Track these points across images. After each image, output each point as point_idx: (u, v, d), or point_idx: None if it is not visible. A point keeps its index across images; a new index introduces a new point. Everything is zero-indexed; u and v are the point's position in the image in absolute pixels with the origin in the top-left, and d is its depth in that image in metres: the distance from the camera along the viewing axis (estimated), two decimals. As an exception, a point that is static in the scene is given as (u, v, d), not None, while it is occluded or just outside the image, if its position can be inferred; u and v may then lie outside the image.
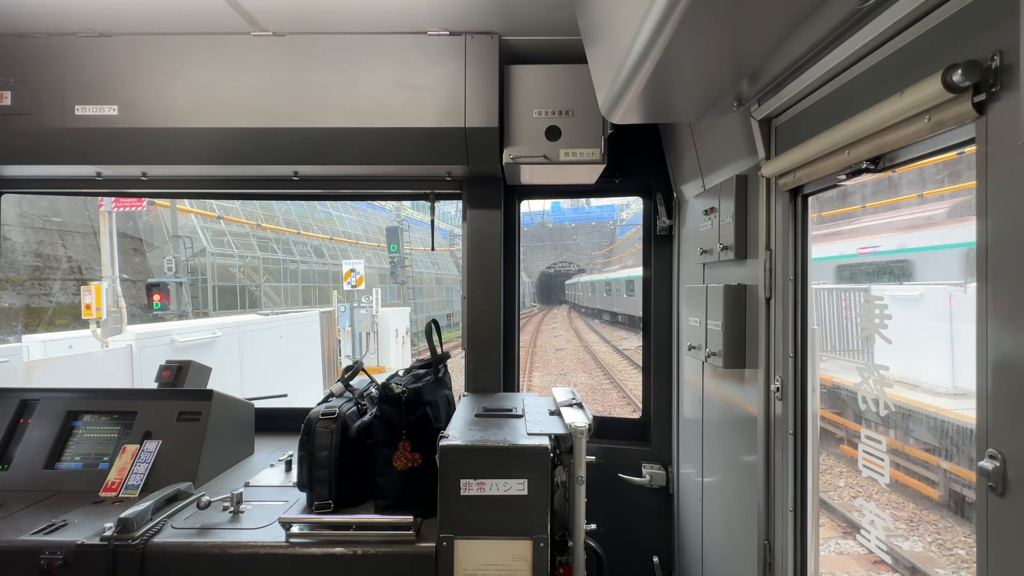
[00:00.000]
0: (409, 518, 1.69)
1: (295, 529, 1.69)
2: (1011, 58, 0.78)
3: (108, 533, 1.64)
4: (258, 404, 2.62)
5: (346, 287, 13.55)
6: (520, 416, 1.97)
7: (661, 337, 2.62)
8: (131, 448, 2.11)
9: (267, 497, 1.95)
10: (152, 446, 2.11)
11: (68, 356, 7.10)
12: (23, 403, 2.28)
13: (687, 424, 2.40)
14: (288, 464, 2.25)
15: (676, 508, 2.54)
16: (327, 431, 1.85)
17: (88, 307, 8.22)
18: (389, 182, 2.49)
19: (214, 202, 16.12)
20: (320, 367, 12.17)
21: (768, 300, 1.61)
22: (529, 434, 1.73)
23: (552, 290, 60.88)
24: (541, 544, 1.63)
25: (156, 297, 10.92)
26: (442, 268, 34.80)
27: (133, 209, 12.82)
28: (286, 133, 2.09)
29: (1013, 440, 0.79)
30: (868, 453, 1.39)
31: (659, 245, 2.62)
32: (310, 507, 1.83)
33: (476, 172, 2.37)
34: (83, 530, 1.71)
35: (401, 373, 2.07)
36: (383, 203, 26.45)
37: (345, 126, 2.07)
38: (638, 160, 2.58)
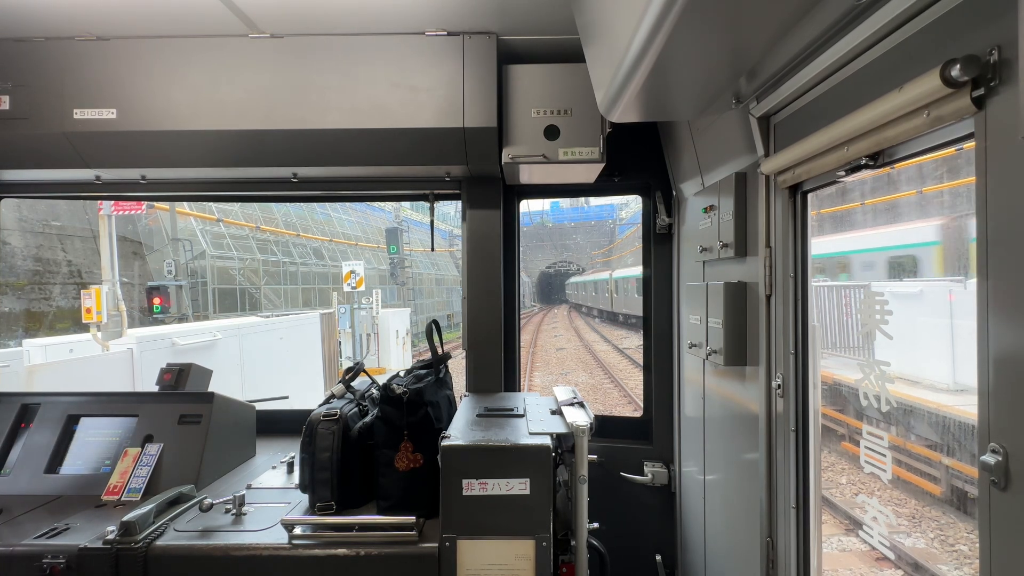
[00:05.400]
0: (411, 519, 1.69)
1: (298, 531, 1.69)
2: (1009, 52, 0.78)
3: (111, 537, 1.63)
4: (259, 406, 2.62)
5: (346, 288, 13.55)
6: (521, 416, 1.97)
7: (662, 335, 2.62)
8: (133, 451, 2.11)
9: (269, 499, 1.95)
10: (154, 449, 2.11)
11: (69, 360, 7.09)
12: (24, 407, 2.28)
13: (688, 422, 2.40)
14: (290, 466, 2.25)
15: (678, 506, 2.54)
16: (329, 432, 1.84)
17: (88, 311, 8.21)
18: (388, 183, 2.49)
19: (213, 205, 16.12)
20: (321, 369, 12.17)
21: (768, 297, 1.61)
22: (531, 433, 1.73)
23: (552, 290, 60.87)
24: (544, 543, 1.63)
25: (156, 300, 10.91)
26: (442, 269, 34.80)
27: (132, 212, 12.82)
28: (285, 135, 2.09)
29: (1015, 434, 0.79)
30: (870, 449, 1.39)
31: (659, 243, 2.62)
32: (312, 509, 1.83)
33: (475, 172, 2.37)
34: (85, 534, 1.71)
35: (402, 374, 2.07)
36: (382, 204, 26.46)
37: (344, 127, 2.07)
38: (637, 159, 2.58)
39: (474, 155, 2.18)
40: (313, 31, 2.05)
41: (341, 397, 2.07)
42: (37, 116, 2.08)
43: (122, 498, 1.99)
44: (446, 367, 2.22)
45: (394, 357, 15.43)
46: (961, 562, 4.80)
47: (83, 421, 2.24)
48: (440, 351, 2.21)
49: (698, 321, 2.03)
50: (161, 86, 2.07)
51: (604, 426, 2.71)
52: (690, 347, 2.16)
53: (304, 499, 1.90)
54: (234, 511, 1.83)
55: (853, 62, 1.16)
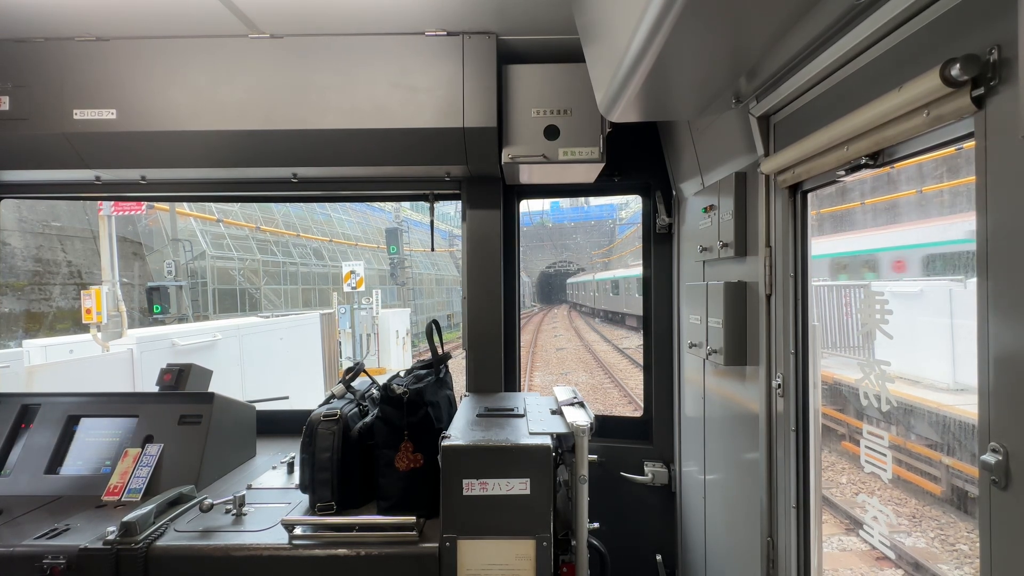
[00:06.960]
0: (412, 519, 1.69)
1: (298, 531, 1.69)
2: (1009, 52, 0.78)
3: (111, 537, 1.63)
4: (260, 406, 2.62)
5: (346, 289, 13.55)
6: (522, 416, 1.97)
7: (662, 335, 2.62)
8: (133, 452, 2.11)
9: (269, 499, 1.95)
10: (154, 450, 2.11)
11: (69, 360, 7.09)
12: (24, 408, 2.28)
13: (689, 422, 2.40)
14: (290, 466, 2.25)
15: (679, 506, 2.54)
16: (329, 433, 1.85)
17: (88, 311, 8.21)
18: (388, 183, 2.49)
19: (213, 205, 16.12)
20: (321, 369, 12.17)
21: (768, 297, 1.61)
22: (531, 433, 1.73)
23: (552, 290, 60.94)
24: (544, 543, 1.63)
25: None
26: (442, 269, 34.81)
27: (132, 213, 12.82)
28: (284, 135, 2.09)
29: (1015, 434, 0.79)
30: (870, 449, 1.39)
31: (659, 243, 2.62)
32: (312, 509, 1.83)
33: (475, 172, 2.37)
34: (86, 534, 1.71)
35: (402, 374, 2.08)
36: (382, 204, 26.47)
37: (343, 127, 2.07)
38: (637, 158, 2.58)
39: (474, 155, 2.18)
40: (313, 31, 2.05)
41: (341, 397, 2.07)
42: (37, 116, 2.08)
43: (122, 499, 1.99)
44: (446, 367, 2.22)
45: (394, 357, 15.44)
46: (961, 561, 4.80)
47: (83, 422, 2.24)
48: (440, 351, 2.21)
49: (698, 321, 2.03)
50: (161, 86, 2.07)
51: (604, 426, 2.71)
52: (690, 347, 2.16)
53: (304, 499, 1.90)
54: (234, 511, 1.83)
55: (853, 62, 1.16)
